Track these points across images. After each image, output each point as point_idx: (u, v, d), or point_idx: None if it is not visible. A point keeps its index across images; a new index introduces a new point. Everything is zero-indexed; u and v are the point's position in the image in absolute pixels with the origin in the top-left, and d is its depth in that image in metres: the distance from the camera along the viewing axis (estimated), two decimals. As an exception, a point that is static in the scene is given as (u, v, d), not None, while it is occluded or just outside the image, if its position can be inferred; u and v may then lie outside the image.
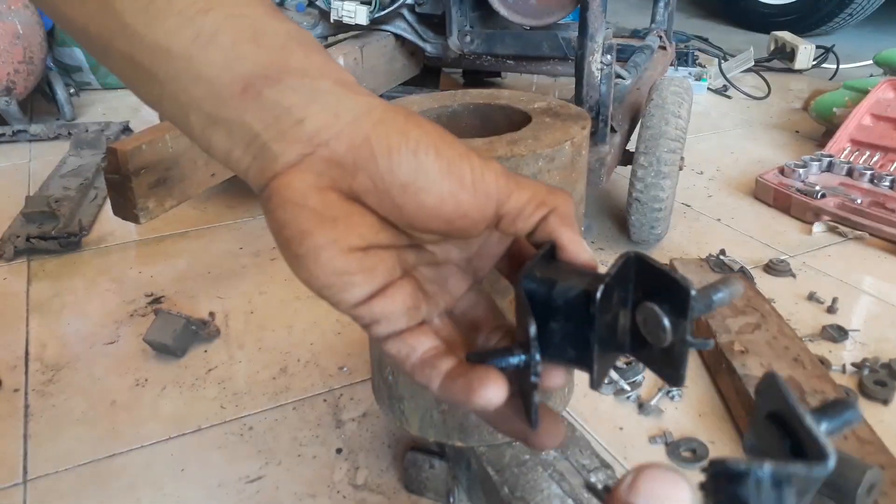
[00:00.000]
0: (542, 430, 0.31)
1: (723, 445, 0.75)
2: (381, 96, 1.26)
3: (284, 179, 0.29)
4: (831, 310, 0.99)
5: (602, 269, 0.30)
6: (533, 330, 0.29)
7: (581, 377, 0.84)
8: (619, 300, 0.30)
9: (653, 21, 1.62)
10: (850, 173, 1.34)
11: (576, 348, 0.30)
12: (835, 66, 2.28)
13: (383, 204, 0.30)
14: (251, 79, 0.28)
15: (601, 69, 1.03)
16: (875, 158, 1.40)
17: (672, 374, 0.30)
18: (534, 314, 0.30)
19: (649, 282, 0.29)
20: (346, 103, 0.29)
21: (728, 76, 2.12)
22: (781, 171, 1.37)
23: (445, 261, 0.34)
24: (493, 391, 0.29)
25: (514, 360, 0.30)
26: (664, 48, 1.57)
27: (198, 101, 0.29)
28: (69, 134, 1.65)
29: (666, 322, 0.28)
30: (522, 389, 0.31)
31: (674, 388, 0.82)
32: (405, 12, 1.27)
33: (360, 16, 1.21)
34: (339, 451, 0.75)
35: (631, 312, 0.30)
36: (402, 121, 0.30)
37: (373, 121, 0.29)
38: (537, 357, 0.30)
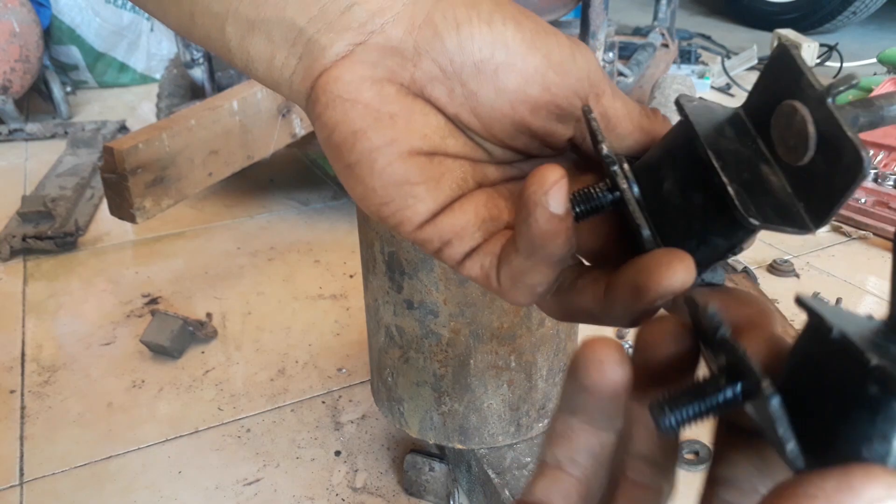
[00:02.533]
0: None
1: (726, 448, 0.74)
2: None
3: (333, 73, 0.25)
4: (835, 310, 0.98)
5: None
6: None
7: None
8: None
9: (655, 18, 1.61)
10: (853, 172, 1.33)
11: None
12: (838, 65, 2.27)
13: (455, 94, 0.25)
14: None
15: (603, 67, 1.03)
16: (879, 158, 1.39)
17: (821, 197, 0.22)
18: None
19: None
20: None
21: (731, 74, 2.11)
22: (784, 169, 1.36)
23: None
24: (681, 270, 0.22)
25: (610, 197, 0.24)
26: (667, 46, 1.56)
27: (234, 6, 0.25)
28: (65, 133, 1.65)
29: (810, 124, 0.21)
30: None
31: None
32: (405, 10, 1.26)
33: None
34: (337, 453, 0.74)
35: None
36: None
37: (445, 1, 0.25)
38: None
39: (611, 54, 1.01)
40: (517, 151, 0.27)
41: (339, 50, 0.25)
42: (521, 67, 0.25)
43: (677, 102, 0.25)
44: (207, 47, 0.28)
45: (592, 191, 0.25)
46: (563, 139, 0.26)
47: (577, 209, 0.25)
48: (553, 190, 0.23)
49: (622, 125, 0.26)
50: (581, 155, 0.27)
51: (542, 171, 0.23)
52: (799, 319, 0.96)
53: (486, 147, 0.27)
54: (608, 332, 0.95)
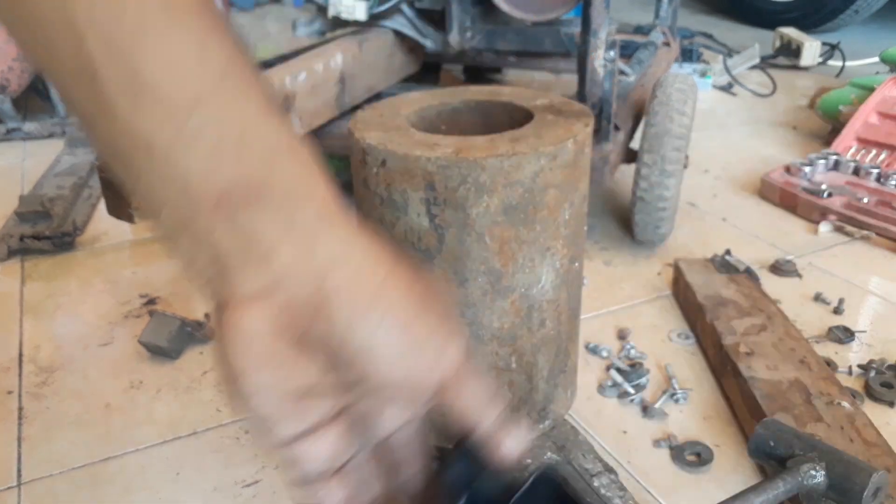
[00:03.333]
0: None
1: (728, 448, 0.74)
2: (379, 94, 1.25)
3: (237, 313, 0.28)
4: (837, 311, 0.97)
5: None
6: None
7: (584, 380, 0.83)
8: None
9: (656, 17, 1.60)
10: (856, 172, 1.32)
11: None
12: (841, 64, 2.26)
13: (331, 356, 0.29)
14: (227, 195, 0.27)
15: (604, 66, 1.02)
16: (882, 157, 1.38)
17: None
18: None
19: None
20: (323, 243, 0.28)
21: (733, 73, 2.10)
22: (787, 169, 1.36)
23: (385, 399, 0.33)
24: None
25: None
26: (668, 44, 1.55)
27: (171, 202, 0.27)
28: (63, 132, 1.64)
29: None
30: None
31: (678, 391, 0.81)
32: (405, 7, 1.26)
33: (359, 11, 1.20)
34: (336, 455, 0.74)
35: None
36: (376, 283, 0.28)
37: (345, 276, 0.28)
38: None
39: (612, 53, 1.01)
40: None
41: (248, 291, 0.27)
42: (391, 364, 0.29)
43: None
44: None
45: None
46: (420, 402, 0.32)
47: None
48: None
49: (465, 417, 0.32)
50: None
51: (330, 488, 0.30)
52: (801, 320, 0.95)
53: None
54: (610, 332, 0.94)
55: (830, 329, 0.92)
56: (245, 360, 0.28)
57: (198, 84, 0.26)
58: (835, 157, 1.36)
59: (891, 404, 0.79)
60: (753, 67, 2.24)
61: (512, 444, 0.33)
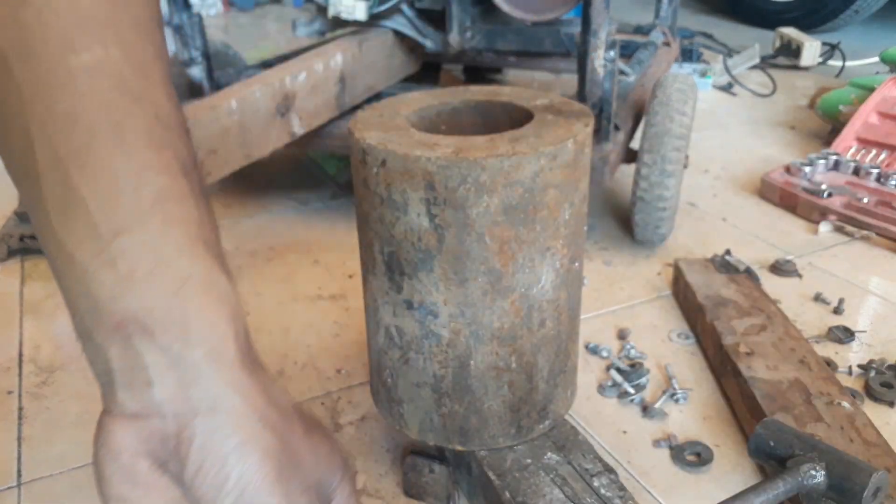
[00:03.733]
0: None
1: (728, 449, 0.74)
2: (379, 94, 1.25)
3: (114, 426, 0.30)
4: (838, 310, 0.97)
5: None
6: None
7: (584, 380, 0.83)
8: None
9: (656, 17, 1.60)
10: (856, 172, 1.32)
11: None
12: (841, 64, 2.26)
13: (186, 491, 0.30)
14: (125, 322, 0.29)
15: (604, 66, 1.02)
16: (882, 157, 1.38)
17: None
18: None
19: None
20: (202, 386, 0.30)
21: (733, 73, 2.10)
22: (787, 169, 1.36)
23: None
24: None
25: None
26: (668, 44, 1.55)
27: (81, 309, 0.30)
28: (67, 132, 1.64)
29: None
30: None
31: (678, 391, 0.81)
32: (404, 7, 1.26)
33: (359, 11, 1.20)
34: (336, 454, 0.74)
35: None
36: (238, 439, 0.30)
37: (210, 424, 0.30)
38: None
39: (612, 53, 1.01)
40: None
41: (126, 410, 0.30)
42: None
43: None
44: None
45: None
46: None
47: None
48: None
49: None
50: None
51: None
52: (801, 320, 0.95)
53: None
54: (610, 332, 0.94)
55: (830, 329, 0.92)
56: (109, 469, 0.30)
57: (125, 214, 0.29)
58: (835, 157, 1.36)
59: (891, 404, 0.79)
60: (753, 67, 2.24)
61: None
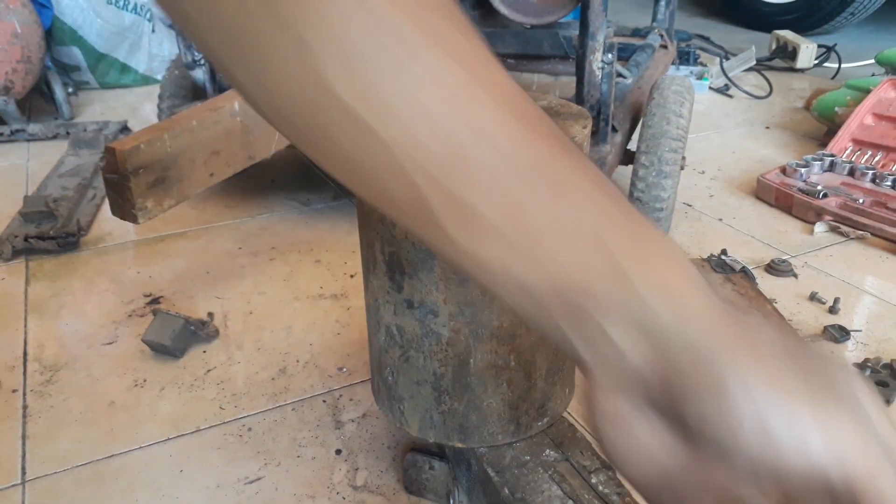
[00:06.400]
0: None
1: (724, 446, 0.74)
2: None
3: (603, 398, 0.27)
4: (833, 310, 0.98)
5: None
6: None
7: (581, 378, 0.84)
8: None
9: (654, 20, 1.61)
10: (851, 173, 1.33)
11: None
12: (836, 66, 2.27)
13: (688, 427, 0.26)
14: (570, 290, 0.26)
15: (602, 68, 1.03)
16: (877, 158, 1.39)
17: None
18: None
19: None
20: (678, 338, 0.25)
21: (729, 75, 2.11)
22: (783, 170, 1.37)
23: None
24: None
25: None
26: (665, 47, 1.56)
27: (521, 302, 0.27)
28: (67, 133, 1.65)
29: None
30: None
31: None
32: (405, 11, 1.26)
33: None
34: (338, 452, 0.75)
35: None
36: (738, 372, 0.25)
37: (706, 364, 0.25)
38: None
39: (610, 55, 1.02)
40: None
41: (606, 385, 0.27)
42: (759, 436, 0.24)
43: None
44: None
45: None
46: None
47: None
48: None
49: None
50: None
51: None
52: (797, 319, 0.96)
53: None
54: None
55: (826, 328, 0.93)
56: (607, 431, 0.27)
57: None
58: (830, 159, 1.37)
59: (886, 402, 0.80)
60: (750, 70, 2.25)
61: None
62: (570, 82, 1.18)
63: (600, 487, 0.58)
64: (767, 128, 1.79)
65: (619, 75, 1.20)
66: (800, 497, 0.25)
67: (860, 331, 0.94)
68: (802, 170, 1.34)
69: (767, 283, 1.05)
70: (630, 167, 1.12)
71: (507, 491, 0.57)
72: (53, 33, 1.93)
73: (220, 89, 1.19)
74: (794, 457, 0.24)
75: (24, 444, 0.76)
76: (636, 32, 1.65)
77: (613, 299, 0.26)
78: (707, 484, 0.27)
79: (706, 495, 0.27)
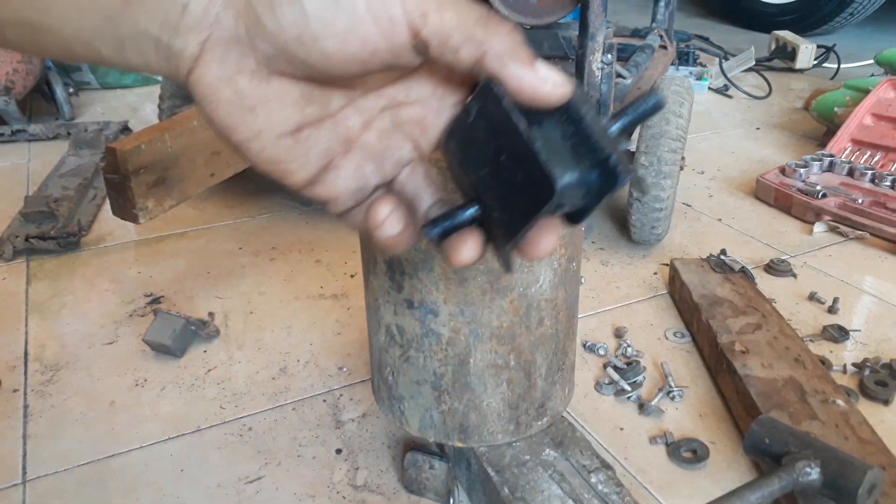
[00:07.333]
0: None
1: (723, 446, 0.75)
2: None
3: (194, 76, 0.28)
4: (832, 310, 0.98)
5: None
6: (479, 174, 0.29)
7: (581, 378, 0.84)
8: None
9: (653, 20, 1.62)
10: (851, 173, 1.34)
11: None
12: (836, 66, 2.28)
13: (293, 64, 0.28)
14: None
15: (602, 69, 1.03)
16: (876, 158, 1.39)
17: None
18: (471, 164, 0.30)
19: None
20: None
21: (729, 76, 2.12)
22: (782, 170, 1.37)
23: (393, 123, 0.32)
24: (468, 252, 0.31)
25: (469, 212, 0.30)
26: (665, 47, 1.56)
27: (97, 31, 0.28)
28: (68, 133, 1.65)
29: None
30: (491, 238, 0.31)
31: (674, 389, 0.82)
32: (405, 11, 1.27)
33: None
34: (338, 451, 0.75)
35: None
36: None
37: None
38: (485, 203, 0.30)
39: (609, 56, 1.02)
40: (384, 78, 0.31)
41: (192, 51, 0.28)
42: (332, 32, 0.27)
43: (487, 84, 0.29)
44: (99, 65, 0.31)
45: (450, 212, 0.31)
46: (414, 64, 0.29)
47: (436, 231, 0.31)
48: (384, 226, 0.31)
49: (453, 38, 0.27)
50: (444, 66, 0.29)
51: (374, 213, 0.31)
52: (796, 319, 0.97)
53: (348, 90, 0.31)
54: (607, 331, 0.95)
55: (825, 328, 0.93)
56: (222, 113, 0.28)
57: None
58: (829, 159, 1.37)
59: (885, 402, 0.80)
60: (749, 70, 2.25)
61: (538, 79, 0.28)
62: (569, 83, 1.18)
63: (600, 487, 0.58)
64: (758, 128, 1.79)
65: (619, 76, 1.20)
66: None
67: (859, 331, 0.94)
68: (801, 170, 1.34)
69: (767, 283, 1.05)
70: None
71: (506, 490, 0.58)
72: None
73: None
74: (383, 25, 0.27)
75: (24, 443, 0.76)
76: (636, 33, 1.65)
77: None
78: (338, 126, 0.30)
79: (341, 144, 0.30)
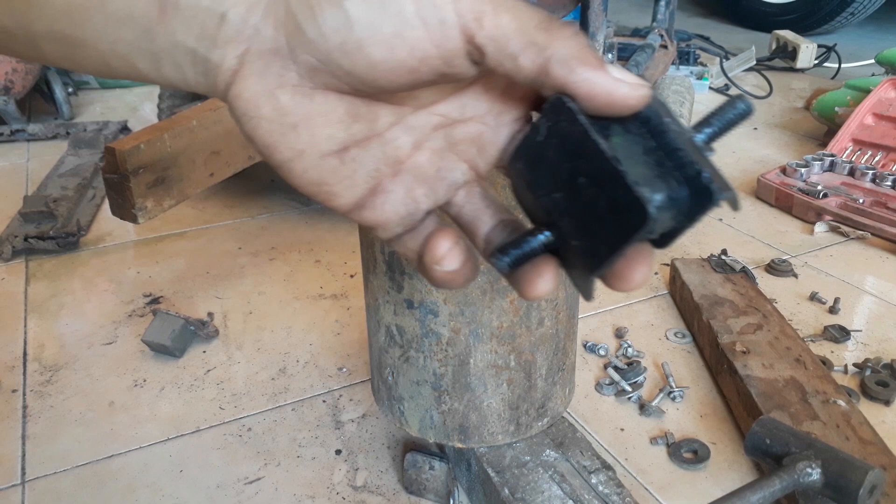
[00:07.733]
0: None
1: (724, 446, 0.75)
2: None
3: (233, 91, 0.27)
4: (833, 310, 0.98)
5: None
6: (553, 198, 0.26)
7: (582, 378, 0.84)
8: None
9: (654, 20, 1.62)
10: (852, 173, 1.33)
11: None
12: (836, 66, 2.27)
13: (337, 76, 0.26)
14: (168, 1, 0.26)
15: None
16: (877, 158, 1.39)
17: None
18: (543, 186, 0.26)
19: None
20: None
21: (729, 75, 2.11)
22: (783, 170, 1.37)
23: (446, 143, 0.30)
24: (544, 284, 0.28)
25: (540, 238, 0.27)
26: (665, 47, 1.56)
27: (133, 45, 0.27)
28: (67, 133, 1.65)
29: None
30: (566, 265, 0.28)
31: (675, 389, 0.82)
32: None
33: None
34: (338, 452, 0.75)
35: None
36: None
37: None
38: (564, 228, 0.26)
39: (610, 55, 1.02)
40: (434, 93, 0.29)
41: (230, 64, 0.27)
42: (379, 38, 0.25)
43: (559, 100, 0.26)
44: (136, 81, 0.30)
45: (519, 238, 0.28)
46: (469, 74, 0.26)
47: (506, 261, 0.28)
48: (444, 261, 0.28)
49: (512, 43, 0.25)
50: (503, 76, 0.27)
51: (433, 247, 0.28)
52: (797, 319, 0.96)
53: (397, 106, 0.28)
54: (607, 331, 0.95)
55: (826, 328, 0.93)
56: (263, 131, 0.27)
57: None
58: (830, 158, 1.37)
59: (886, 403, 0.80)
60: (750, 69, 2.25)
61: (613, 83, 0.25)
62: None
63: (601, 488, 0.58)
64: (755, 128, 1.79)
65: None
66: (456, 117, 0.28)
67: (860, 331, 0.94)
68: (802, 170, 1.34)
69: (767, 283, 1.05)
70: (630, 167, 1.12)
71: (507, 491, 0.57)
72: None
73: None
74: (433, 29, 0.25)
75: (23, 444, 0.76)
76: (636, 32, 1.65)
77: None
78: (383, 142, 0.28)
79: (385, 163, 0.28)
